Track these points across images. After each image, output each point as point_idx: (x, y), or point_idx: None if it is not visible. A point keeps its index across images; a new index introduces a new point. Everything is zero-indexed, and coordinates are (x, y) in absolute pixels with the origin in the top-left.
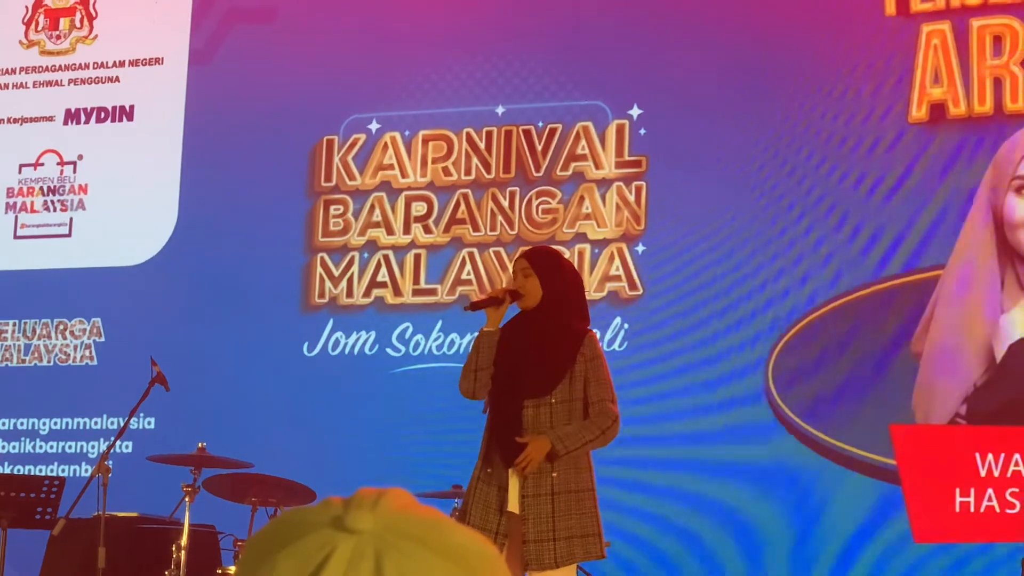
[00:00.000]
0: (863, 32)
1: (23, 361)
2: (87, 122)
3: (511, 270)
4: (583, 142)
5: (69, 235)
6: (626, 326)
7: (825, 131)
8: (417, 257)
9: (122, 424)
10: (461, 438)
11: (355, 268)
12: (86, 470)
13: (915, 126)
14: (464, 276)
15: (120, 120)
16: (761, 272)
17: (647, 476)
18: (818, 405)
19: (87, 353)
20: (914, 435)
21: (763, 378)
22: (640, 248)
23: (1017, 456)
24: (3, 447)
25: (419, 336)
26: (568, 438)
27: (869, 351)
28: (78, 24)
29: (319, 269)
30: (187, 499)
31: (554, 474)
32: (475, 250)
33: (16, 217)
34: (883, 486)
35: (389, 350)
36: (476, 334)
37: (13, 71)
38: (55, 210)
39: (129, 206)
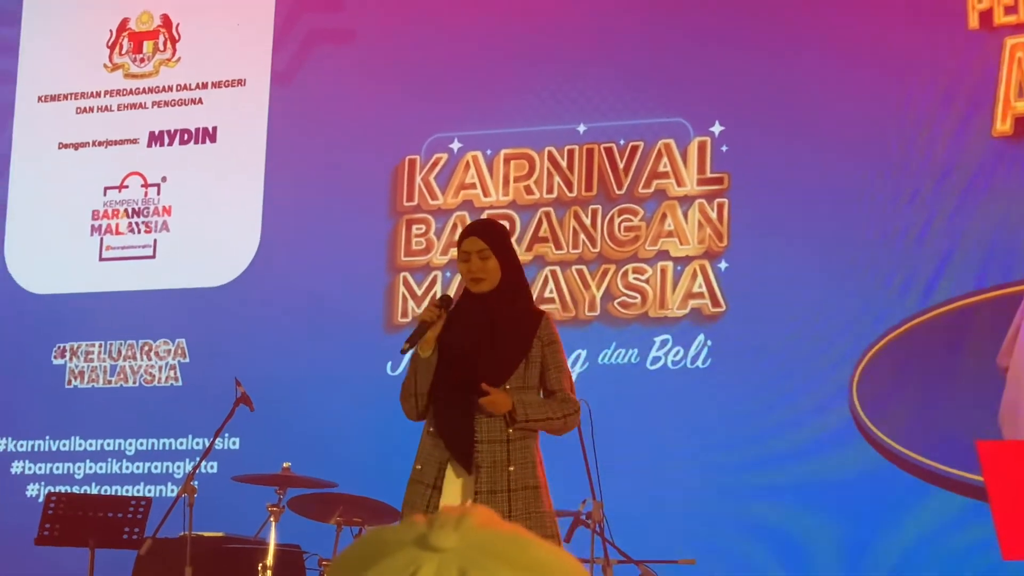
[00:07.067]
0: (946, 47)
1: (109, 382)
2: (171, 144)
3: (460, 249)
4: (665, 159)
5: (153, 257)
6: (709, 343)
7: (908, 145)
8: None
9: (207, 444)
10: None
11: (438, 287)
12: (172, 490)
13: (999, 140)
14: (547, 295)
15: (203, 142)
16: (844, 287)
17: (731, 493)
18: (902, 420)
19: (172, 374)
20: (1002, 451)
21: (847, 394)
22: (723, 265)
23: None
24: (90, 468)
25: None
26: (531, 406)
27: (954, 366)
28: (161, 47)
29: (402, 288)
30: (272, 519)
31: (511, 468)
32: (557, 268)
33: (101, 239)
34: (967, 501)
35: None
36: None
37: (98, 94)
38: (140, 232)
39: (212, 227)
